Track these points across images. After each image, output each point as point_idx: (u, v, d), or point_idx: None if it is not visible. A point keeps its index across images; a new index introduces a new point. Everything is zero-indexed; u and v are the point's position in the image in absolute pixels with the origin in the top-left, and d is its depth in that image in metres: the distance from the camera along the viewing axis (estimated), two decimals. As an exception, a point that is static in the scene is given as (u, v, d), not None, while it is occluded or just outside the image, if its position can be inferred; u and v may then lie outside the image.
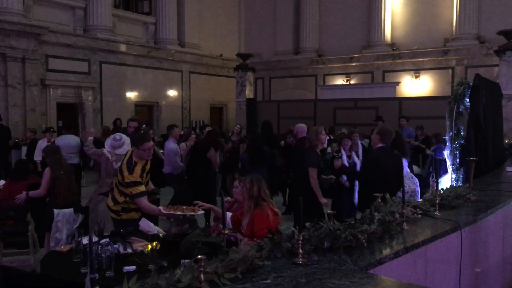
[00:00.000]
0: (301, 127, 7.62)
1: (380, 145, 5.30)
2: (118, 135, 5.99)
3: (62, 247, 3.95)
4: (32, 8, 13.30)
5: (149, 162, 4.61)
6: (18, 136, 12.17)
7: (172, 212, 4.13)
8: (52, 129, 10.41)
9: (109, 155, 5.94)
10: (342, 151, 7.13)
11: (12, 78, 12.25)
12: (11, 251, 5.91)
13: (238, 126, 10.94)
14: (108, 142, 5.94)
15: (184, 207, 4.24)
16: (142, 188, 4.36)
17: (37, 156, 9.01)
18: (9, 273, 3.42)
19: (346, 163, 6.96)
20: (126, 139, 5.88)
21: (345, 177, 6.89)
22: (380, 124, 9.16)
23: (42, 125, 12.49)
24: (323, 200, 5.68)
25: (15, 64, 12.34)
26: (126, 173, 4.34)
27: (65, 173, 5.58)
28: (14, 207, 5.75)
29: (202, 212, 4.38)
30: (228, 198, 4.70)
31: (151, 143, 4.56)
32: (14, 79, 12.30)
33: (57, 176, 5.50)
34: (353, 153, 7.23)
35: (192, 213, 4.14)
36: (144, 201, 4.35)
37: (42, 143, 9.08)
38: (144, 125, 10.19)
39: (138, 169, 4.39)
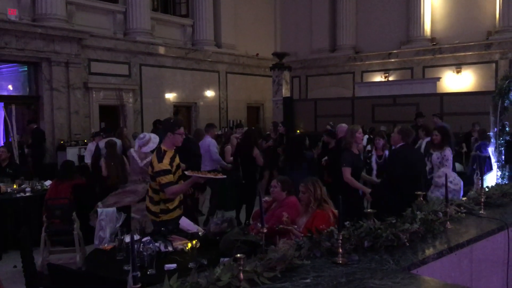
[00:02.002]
0: (342, 127, 7.58)
1: (402, 143, 5.50)
2: (142, 134, 6.26)
3: (106, 245, 4.05)
4: (74, 14, 13.71)
5: (177, 156, 4.62)
6: (63, 138, 12.61)
7: (195, 174, 4.36)
8: (101, 134, 10.76)
9: (134, 154, 6.15)
10: (373, 150, 7.06)
11: (56, 82, 12.67)
12: (57, 249, 6.13)
13: (280, 124, 10.78)
14: (136, 142, 6.18)
15: (208, 171, 4.59)
16: (170, 177, 4.35)
17: (87, 159, 9.33)
18: (56, 270, 3.53)
19: (374, 163, 6.91)
20: (153, 137, 6.06)
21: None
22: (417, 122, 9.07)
23: (91, 129, 12.93)
24: (367, 190, 5.71)
25: (60, 69, 12.76)
26: (155, 163, 4.36)
27: (116, 162, 7.48)
28: (60, 207, 5.96)
29: (224, 176, 4.55)
30: (267, 198, 4.72)
31: (183, 128, 4.64)
32: (59, 82, 12.72)
33: (108, 164, 7.45)
34: (386, 152, 7.15)
35: (214, 176, 4.37)
36: (172, 188, 4.34)
37: (92, 146, 9.44)
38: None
39: (167, 157, 4.41)
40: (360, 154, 6.32)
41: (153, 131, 9.78)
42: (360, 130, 5.94)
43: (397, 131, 5.64)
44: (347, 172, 5.62)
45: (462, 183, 6.42)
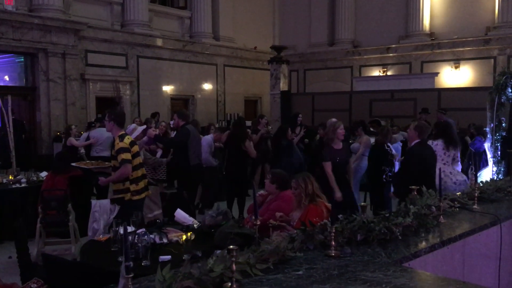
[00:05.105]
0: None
1: (418, 140, 5.40)
2: (128, 125, 6.43)
3: (101, 236, 4.06)
4: (71, 5, 13.63)
5: (137, 146, 4.97)
6: (59, 129, 12.58)
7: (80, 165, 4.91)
8: (93, 125, 10.80)
9: None
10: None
11: (53, 73, 12.62)
12: (53, 240, 6.14)
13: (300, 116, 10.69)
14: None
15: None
16: (129, 156, 4.66)
17: (82, 148, 9.51)
18: (51, 261, 3.54)
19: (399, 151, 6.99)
20: (139, 128, 6.28)
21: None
22: (419, 118, 9.07)
23: (89, 120, 12.90)
24: (338, 194, 5.64)
25: (56, 60, 12.70)
26: (117, 142, 4.71)
27: None
28: (56, 198, 5.96)
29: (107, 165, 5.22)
30: (262, 192, 4.72)
31: None
32: (55, 74, 12.67)
33: None
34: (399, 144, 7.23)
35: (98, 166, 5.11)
36: (129, 167, 4.65)
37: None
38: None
39: (128, 140, 4.76)
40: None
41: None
42: (342, 126, 5.97)
43: (414, 127, 5.53)
44: (327, 166, 5.68)
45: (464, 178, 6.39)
